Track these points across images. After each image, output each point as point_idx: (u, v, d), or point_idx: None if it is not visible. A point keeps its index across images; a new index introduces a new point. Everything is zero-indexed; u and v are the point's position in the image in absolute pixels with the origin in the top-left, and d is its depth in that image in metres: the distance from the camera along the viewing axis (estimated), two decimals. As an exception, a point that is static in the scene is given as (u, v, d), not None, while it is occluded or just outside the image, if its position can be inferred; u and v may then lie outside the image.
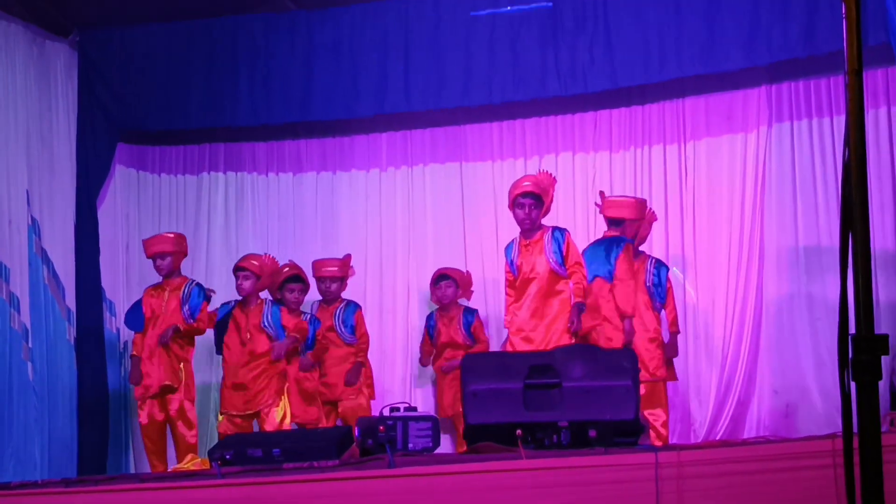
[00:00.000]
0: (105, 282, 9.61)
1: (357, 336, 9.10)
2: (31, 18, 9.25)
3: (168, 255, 8.85)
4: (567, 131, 9.75)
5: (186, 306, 8.72)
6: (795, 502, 5.17)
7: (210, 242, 10.18)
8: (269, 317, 8.67)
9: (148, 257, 8.97)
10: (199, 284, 8.91)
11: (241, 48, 9.71)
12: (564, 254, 8.11)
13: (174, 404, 8.72)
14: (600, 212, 8.70)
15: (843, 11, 2.55)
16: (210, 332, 8.95)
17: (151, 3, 9.66)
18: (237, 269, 8.79)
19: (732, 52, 8.60)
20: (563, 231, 8.23)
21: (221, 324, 8.81)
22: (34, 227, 9.03)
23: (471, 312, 9.25)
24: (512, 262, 8.27)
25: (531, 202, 8.14)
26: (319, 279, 9.16)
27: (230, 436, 7.61)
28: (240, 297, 8.79)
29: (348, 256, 9.30)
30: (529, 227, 8.19)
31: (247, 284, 8.68)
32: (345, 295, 9.27)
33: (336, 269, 9.18)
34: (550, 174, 8.53)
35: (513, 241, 8.36)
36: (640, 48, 8.82)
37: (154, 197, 10.35)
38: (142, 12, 9.67)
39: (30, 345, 8.74)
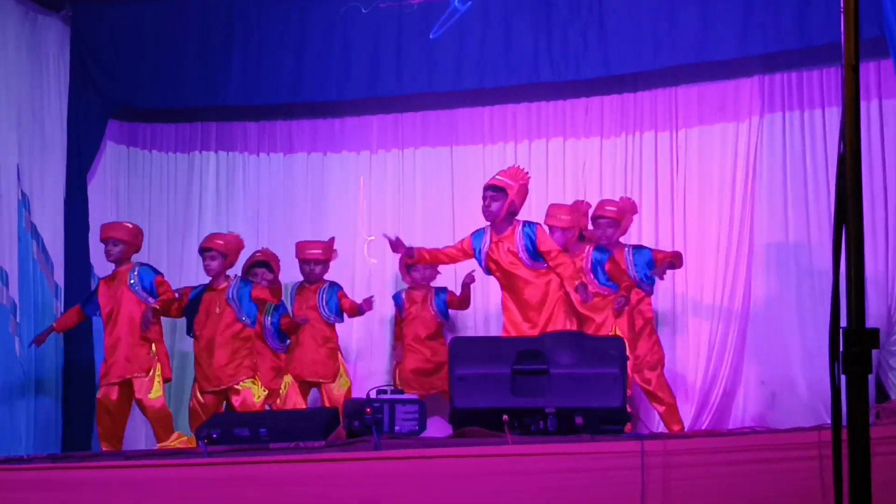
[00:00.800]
0: (94, 258, 9.57)
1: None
2: (23, -8, 9.21)
3: (121, 242, 8.55)
4: (558, 117, 9.74)
5: (139, 287, 8.50)
6: (780, 492, 5.19)
7: (201, 220, 10.15)
8: (236, 292, 8.54)
9: (101, 240, 8.71)
10: (143, 264, 8.67)
11: (235, 28, 9.70)
12: (539, 248, 8.02)
13: (140, 387, 8.41)
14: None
15: (842, 6, 2.56)
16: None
17: (146, -20, 9.64)
18: (203, 251, 8.62)
19: (726, 41, 8.62)
20: (533, 225, 8.14)
21: (192, 306, 8.64)
22: (24, 202, 9.00)
23: (442, 291, 9.22)
24: (479, 250, 8.21)
25: (491, 195, 8.09)
26: (303, 261, 9.09)
27: (218, 415, 7.62)
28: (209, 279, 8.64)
29: (332, 239, 9.24)
30: (491, 220, 8.13)
31: (214, 264, 8.51)
32: (333, 277, 9.25)
33: (320, 251, 9.11)
34: (521, 168, 8.34)
35: (484, 228, 8.26)
36: (633, 36, 8.83)
37: (145, 174, 10.31)
38: (136, -12, 9.65)
39: (18, 320, 8.72)
